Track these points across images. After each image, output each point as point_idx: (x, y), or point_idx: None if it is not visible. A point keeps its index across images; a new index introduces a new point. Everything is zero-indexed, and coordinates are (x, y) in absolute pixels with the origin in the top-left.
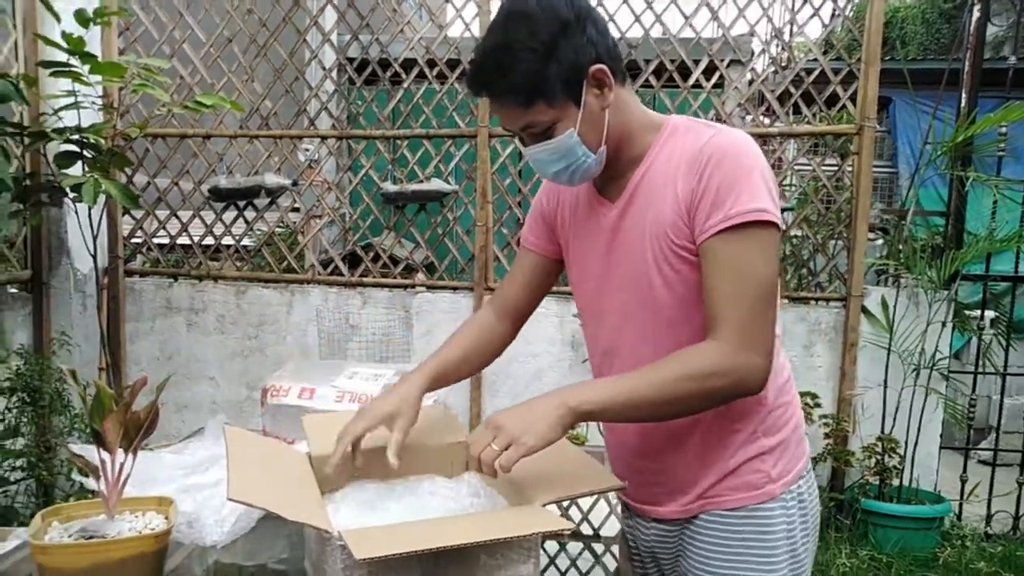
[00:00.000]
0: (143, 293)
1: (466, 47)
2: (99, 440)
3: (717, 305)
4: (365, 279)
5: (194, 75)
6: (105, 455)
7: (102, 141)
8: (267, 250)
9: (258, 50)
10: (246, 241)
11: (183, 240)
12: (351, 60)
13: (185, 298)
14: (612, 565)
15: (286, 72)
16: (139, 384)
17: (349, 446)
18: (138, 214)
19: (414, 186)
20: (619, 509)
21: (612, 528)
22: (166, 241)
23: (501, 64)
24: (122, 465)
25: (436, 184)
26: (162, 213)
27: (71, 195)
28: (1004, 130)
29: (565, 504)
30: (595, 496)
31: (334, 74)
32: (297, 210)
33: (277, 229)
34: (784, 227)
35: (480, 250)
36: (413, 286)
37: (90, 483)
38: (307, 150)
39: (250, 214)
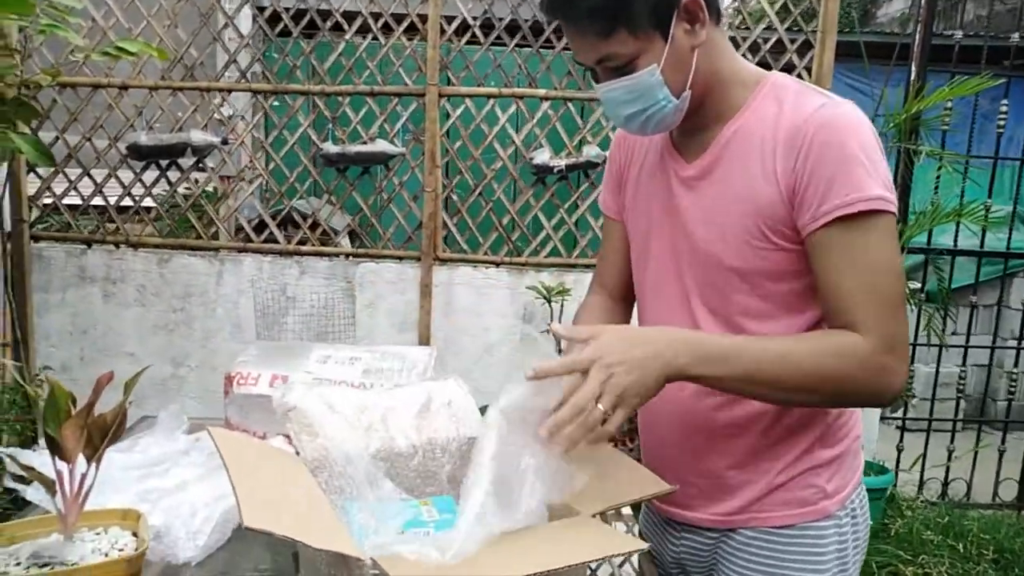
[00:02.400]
0: (52, 261)
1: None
2: (54, 448)
3: (846, 303)
4: (303, 247)
5: (108, 18)
6: (62, 465)
7: (6, 89)
8: (192, 215)
9: None
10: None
11: (97, 202)
12: (287, 9)
13: (100, 266)
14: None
15: (213, 18)
16: (104, 381)
17: None
18: (45, 173)
19: (357, 147)
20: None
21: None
22: (78, 202)
23: None
24: (83, 476)
25: (381, 145)
26: (72, 172)
27: None
28: (950, 105)
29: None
30: None
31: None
32: (212, 170)
33: (206, 190)
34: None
35: (428, 218)
36: (356, 255)
37: (34, 495)
38: (222, 104)
39: (173, 175)
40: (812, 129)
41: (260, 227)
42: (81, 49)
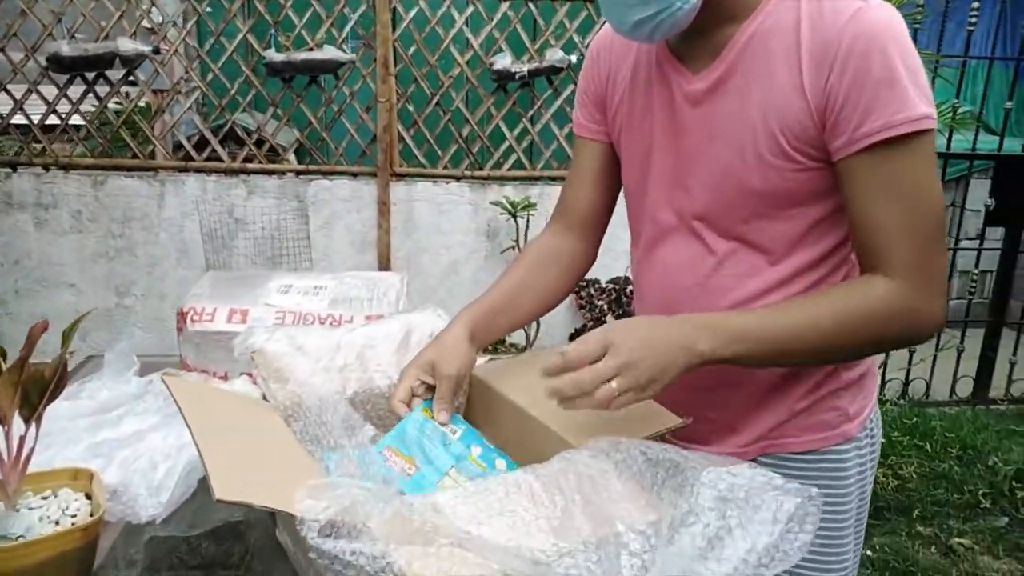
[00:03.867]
0: None
1: None
2: None
3: (883, 237)
4: (249, 165)
5: None
6: None
7: None
8: (126, 132)
9: None
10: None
11: (18, 120)
12: None
13: (30, 191)
14: None
15: None
16: (38, 330)
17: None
18: None
19: (303, 54)
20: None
21: None
22: None
23: None
24: (22, 438)
25: (330, 52)
26: None
27: None
28: (922, 2)
29: None
30: None
31: None
32: (144, 83)
33: (139, 105)
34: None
35: (383, 130)
36: (307, 172)
37: None
38: (151, 9)
39: (101, 89)
40: (848, 39)
41: (200, 145)
42: None
